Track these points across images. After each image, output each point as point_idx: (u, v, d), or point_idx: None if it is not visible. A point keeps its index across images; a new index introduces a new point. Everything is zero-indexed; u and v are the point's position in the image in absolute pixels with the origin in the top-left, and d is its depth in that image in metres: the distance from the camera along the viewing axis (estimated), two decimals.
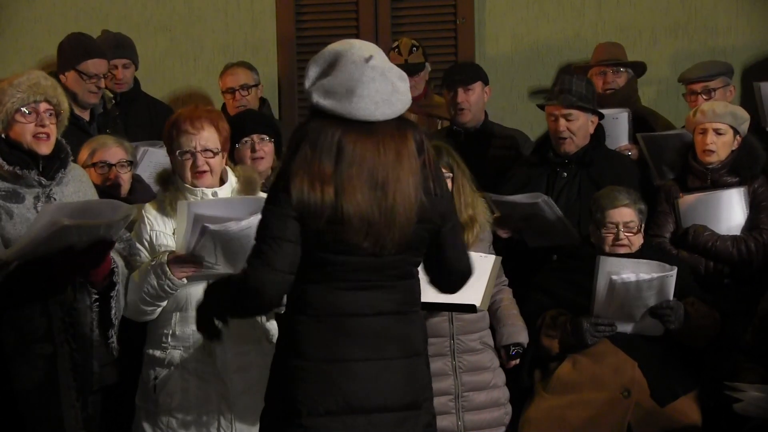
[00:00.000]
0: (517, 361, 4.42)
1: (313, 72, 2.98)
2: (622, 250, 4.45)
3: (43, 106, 3.66)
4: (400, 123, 2.97)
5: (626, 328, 4.36)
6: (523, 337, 4.40)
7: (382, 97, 2.92)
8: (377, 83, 2.92)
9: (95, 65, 5.32)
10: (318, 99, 2.93)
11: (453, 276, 3.17)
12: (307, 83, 2.98)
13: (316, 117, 2.95)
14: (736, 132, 4.83)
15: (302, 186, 2.87)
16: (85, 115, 5.33)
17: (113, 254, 3.56)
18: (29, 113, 3.63)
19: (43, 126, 3.64)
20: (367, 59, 2.93)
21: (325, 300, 2.95)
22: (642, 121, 5.49)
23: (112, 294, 3.64)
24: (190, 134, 3.81)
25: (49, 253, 3.37)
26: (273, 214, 2.91)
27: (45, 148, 3.65)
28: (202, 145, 3.79)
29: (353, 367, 2.95)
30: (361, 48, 2.97)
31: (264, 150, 4.59)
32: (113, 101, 5.55)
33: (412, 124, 3.02)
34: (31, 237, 3.33)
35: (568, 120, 4.91)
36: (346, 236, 2.90)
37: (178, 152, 3.83)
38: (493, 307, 4.42)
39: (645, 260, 4.32)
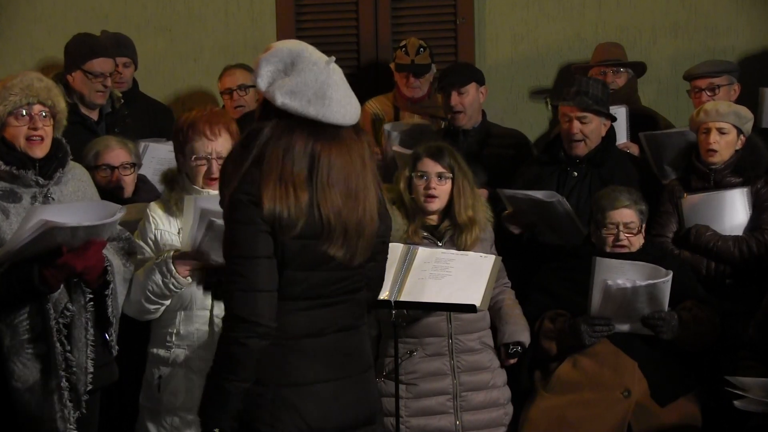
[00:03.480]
0: (515, 360, 4.42)
1: (267, 71, 2.78)
2: (623, 251, 4.45)
3: (37, 108, 3.63)
4: (356, 129, 2.85)
5: (624, 327, 4.36)
6: (524, 337, 4.40)
7: (348, 101, 2.80)
8: (341, 87, 2.80)
9: (101, 64, 5.32)
10: (284, 100, 2.74)
11: (380, 286, 3.09)
12: (262, 83, 2.78)
13: (276, 118, 2.77)
14: (739, 132, 4.82)
15: (275, 191, 2.72)
16: (93, 115, 5.33)
17: (106, 252, 3.55)
18: (22, 116, 3.61)
19: (35, 129, 3.61)
20: (328, 62, 2.80)
21: (282, 322, 2.78)
22: (643, 121, 5.48)
23: (106, 293, 3.62)
24: (208, 140, 3.77)
25: (39, 255, 3.35)
26: (243, 230, 2.75)
27: (39, 152, 3.63)
28: (218, 152, 3.76)
29: (312, 390, 2.83)
30: (314, 50, 2.83)
31: None
32: (121, 100, 5.54)
33: (363, 131, 2.90)
34: (19, 239, 3.32)
35: (582, 122, 4.90)
36: (320, 247, 2.78)
37: (193, 157, 3.79)
38: (495, 306, 4.42)
39: (641, 263, 4.31)
